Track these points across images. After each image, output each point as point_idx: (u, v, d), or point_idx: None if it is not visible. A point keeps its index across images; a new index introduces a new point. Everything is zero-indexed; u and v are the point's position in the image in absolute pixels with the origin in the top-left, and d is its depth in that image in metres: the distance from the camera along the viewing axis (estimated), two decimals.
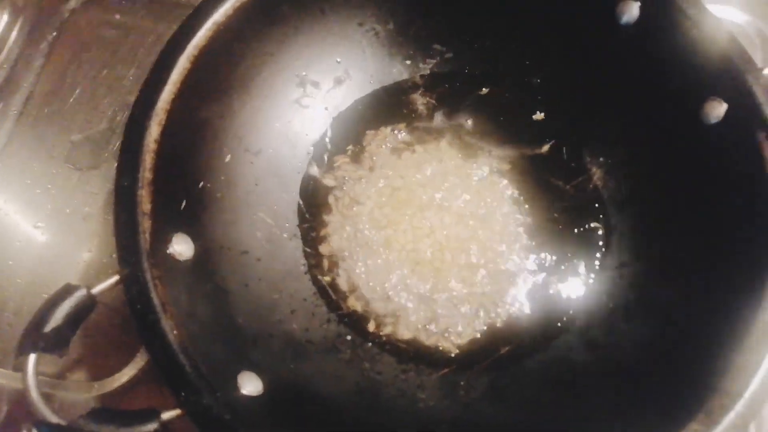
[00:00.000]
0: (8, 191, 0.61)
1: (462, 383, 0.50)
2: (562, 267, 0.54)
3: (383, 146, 0.59)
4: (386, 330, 0.52)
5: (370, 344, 0.52)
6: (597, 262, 0.54)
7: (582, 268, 0.54)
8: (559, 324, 0.52)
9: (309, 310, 0.53)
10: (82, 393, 0.52)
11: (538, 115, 0.59)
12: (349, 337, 0.52)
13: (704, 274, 0.47)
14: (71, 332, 0.41)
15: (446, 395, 0.50)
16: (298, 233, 0.55)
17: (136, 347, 0.54)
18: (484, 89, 0.60)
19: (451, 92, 0.60)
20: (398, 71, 0.60)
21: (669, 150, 0.52)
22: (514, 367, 0.51)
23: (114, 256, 0.57)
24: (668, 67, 0.50)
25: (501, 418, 0.48)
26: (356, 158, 0.58)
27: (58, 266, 0.58)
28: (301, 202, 0.56)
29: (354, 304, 0.53)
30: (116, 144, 0.63)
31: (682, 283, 0.49)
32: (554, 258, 0.55)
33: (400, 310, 0.53)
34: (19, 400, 0.53)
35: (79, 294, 0.41)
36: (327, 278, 0.54)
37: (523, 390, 0.49)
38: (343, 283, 0.54)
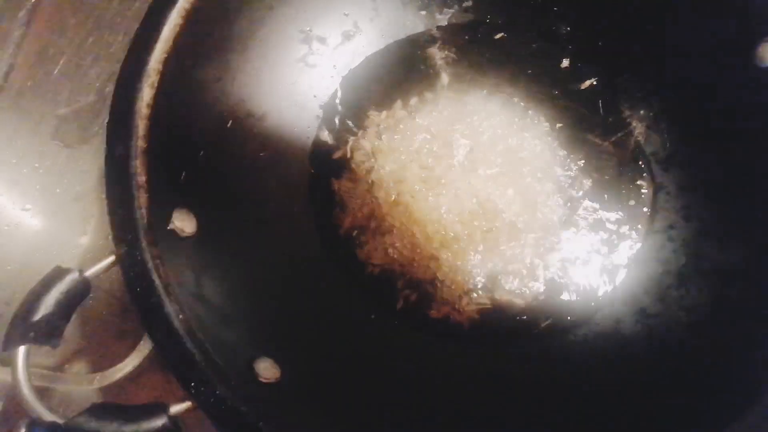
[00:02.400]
0: None
1: (499, 359, 0.48)
2: (606, 230, 0.51)
3: (400, 107, 0.55)
4: (413, 304, 0.50)
5: (396, 320, 0.50)
6: (643, 225, 0.51)
7: (627, 232, 0.51)
8: (604, 293, 0.50)
9: (327, 287, 0.50)
10: (84, 385, 0.50)
11: (566, 63, 0.55)
12: (373, 316, 0.50)
13: (762, 234, 0.45)
14: (64, 320, 0.38)
15: (480, 371, 0.48)
16: (311, 204, 0.53)
17: (139, 335, 0.52)
18: (502, 34, 0.56)
19: (471, 44, 0.56)
20: (412, 23, 0.56)
21: (717, 98, 0.49)
22: (555, 342, 0.48)
23: (111, 237, 0.54)
24: (716, 5, 0.47)
25: (540, 396, 0.46)
26: (371, 120, 0.55)
27: (52, 251, 0.55)
28: (312, 170, 0.53)
29: (376, 277, 0.51)
30: (107, 117, 0.59)
31: (737, 245, 0.46)
32: (596, 221, 0.51)
33: (427, 282, 0.50)
34: (15, 395, 0.50)
35: (71, 278, 0.38)
36: (344, 252, 0.51)
37: (566, 366, 0.47)
38: (362, 256, 0.51)
